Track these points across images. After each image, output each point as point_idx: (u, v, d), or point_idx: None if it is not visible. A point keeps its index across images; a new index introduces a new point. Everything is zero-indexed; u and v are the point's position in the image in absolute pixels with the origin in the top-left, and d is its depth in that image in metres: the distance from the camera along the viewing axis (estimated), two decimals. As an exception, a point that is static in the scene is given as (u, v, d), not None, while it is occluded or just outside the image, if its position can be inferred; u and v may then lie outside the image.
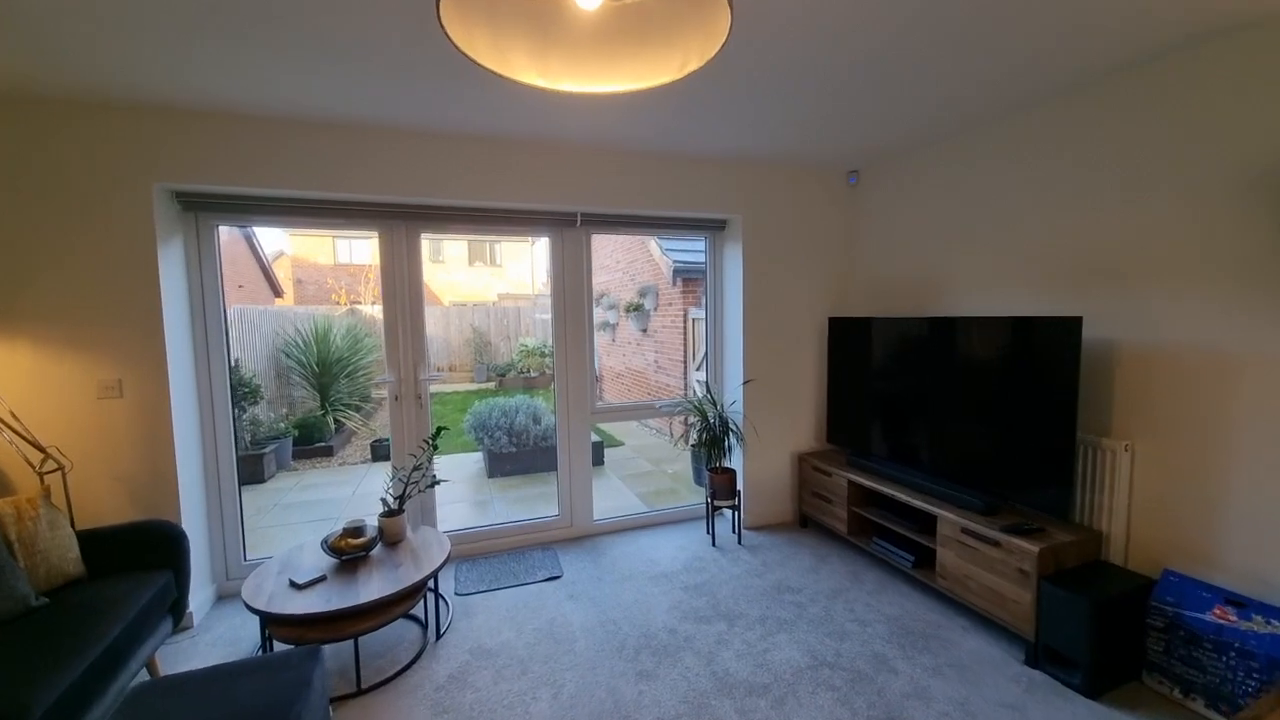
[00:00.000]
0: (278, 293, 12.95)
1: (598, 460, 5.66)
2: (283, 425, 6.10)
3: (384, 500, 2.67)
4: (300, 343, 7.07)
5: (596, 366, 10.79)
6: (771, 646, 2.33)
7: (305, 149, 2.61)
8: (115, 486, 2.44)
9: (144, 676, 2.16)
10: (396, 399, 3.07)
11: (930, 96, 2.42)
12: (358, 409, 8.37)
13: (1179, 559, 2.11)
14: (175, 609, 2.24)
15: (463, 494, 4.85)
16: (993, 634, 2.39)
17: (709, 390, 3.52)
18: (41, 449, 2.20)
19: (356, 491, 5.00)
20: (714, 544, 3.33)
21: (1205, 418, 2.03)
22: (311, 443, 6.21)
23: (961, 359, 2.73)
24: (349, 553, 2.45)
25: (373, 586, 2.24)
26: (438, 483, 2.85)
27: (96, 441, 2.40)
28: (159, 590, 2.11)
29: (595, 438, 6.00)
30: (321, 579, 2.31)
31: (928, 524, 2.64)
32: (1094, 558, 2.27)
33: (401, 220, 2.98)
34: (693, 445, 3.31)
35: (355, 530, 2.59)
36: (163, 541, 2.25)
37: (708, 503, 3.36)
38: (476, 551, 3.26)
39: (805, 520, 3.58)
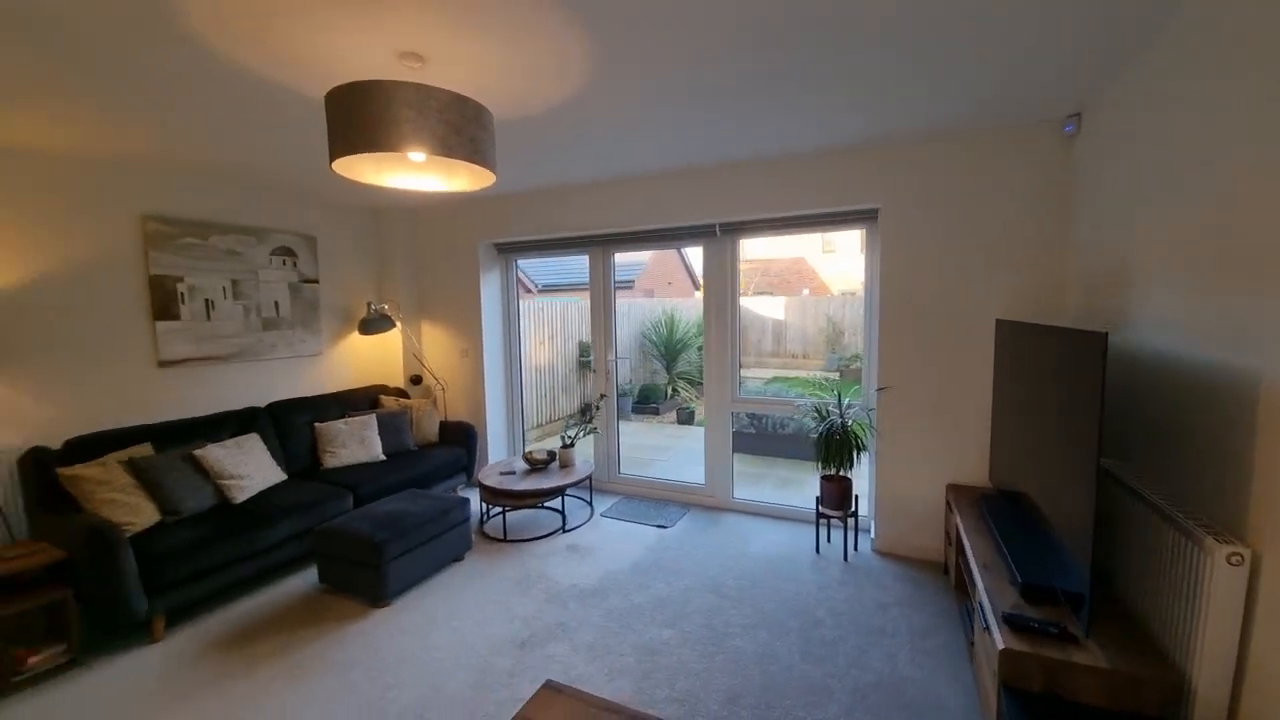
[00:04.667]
0: (697, 286, 16.72)
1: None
2: (628, 386, 8.46)
3: (563, 438, 4.00)
4: (662, 327, 9.47)
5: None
6: (734, 632, 2.45)
7: (543, 207, 4.14)
8: (463, 402, 4.64)
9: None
10: (593, 371, 4.36)
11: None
12: (696, 382, 10.34)
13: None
14: (467, 469, 4.20)
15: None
16: (991, 749, 1.77)
17: (838, 393, 3.31)
18: (436, 379, 4.54)
19: (634, 442, 6.60)
20: (816, 551, 3.23)
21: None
22: (648, 403, 8.37)
23: (1048, 382, 1.92)
24: (533, 464, 3.89)
25: (524, 484, 3.59)
26: (593, 431, 4.02)
27: (459, 379, 4.63)
28: (454, 457, 4.08)
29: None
30: (512, 473, 3.83)
31: (983, 593, 2.03)
32: (1158, 706, 1.41)
33: (599, 245, 4.19)
34: (814, 440, 3.23)
35: (549, 452, 4.03)
36: (465, 433, 4.25)
37: (816, 509, 3.26)
38: (638, 493, 4.24)
39: (947, 565, 2.93)
